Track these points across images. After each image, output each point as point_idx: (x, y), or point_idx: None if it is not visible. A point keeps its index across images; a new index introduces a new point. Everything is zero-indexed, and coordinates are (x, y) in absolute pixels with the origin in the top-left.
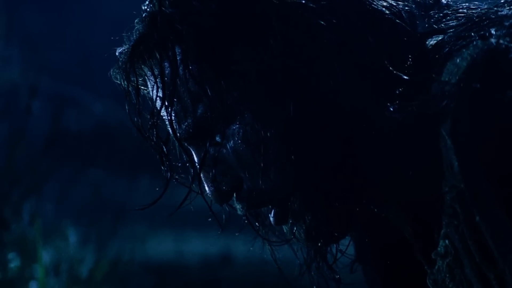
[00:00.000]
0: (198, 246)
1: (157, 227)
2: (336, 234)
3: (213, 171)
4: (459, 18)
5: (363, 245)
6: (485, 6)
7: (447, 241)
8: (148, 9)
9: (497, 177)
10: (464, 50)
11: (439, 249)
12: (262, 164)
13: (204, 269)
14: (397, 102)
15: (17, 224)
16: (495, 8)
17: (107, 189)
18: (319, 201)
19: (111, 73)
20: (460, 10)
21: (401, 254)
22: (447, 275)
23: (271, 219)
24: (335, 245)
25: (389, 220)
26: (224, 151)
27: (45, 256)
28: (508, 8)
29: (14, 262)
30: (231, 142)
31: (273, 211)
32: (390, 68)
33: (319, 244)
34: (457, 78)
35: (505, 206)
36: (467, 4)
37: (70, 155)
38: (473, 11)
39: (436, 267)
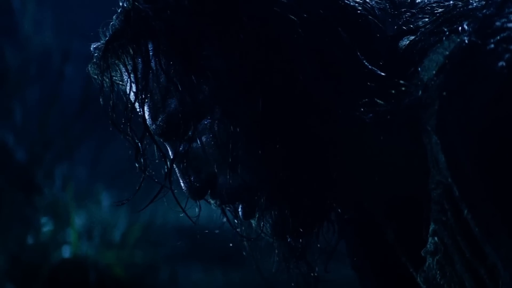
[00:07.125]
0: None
1: None
2: (301, 230)
3: (187, 167)
4: (429, 15)
5: (358, 253)
6: (452, 1)
7: (436, 238)
8: (124, 5)
9: (487, 170)
10: (438, 45)
11: (428, 246)
12: (230, 160)
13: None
14: (369, 102)
15: (49, 189)
16: (461, 2)
17: None
18: (286, 197)
19: (88, 68)
20: (428, 7)
21: (397, 261)
22: (438, 272)
23: (239, 214)
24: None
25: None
26: (198, 147)
27: (78, 220)
28: (476, 0)
29: (47, 226)
30: (203, 138)
31: (240, 206)
32: (365, 63)
33: (288, 240)
34: (435, 73)
35: (495, 199)
36: None
37: (103, 119)
38: (442, 5)
39: (427, 264)
